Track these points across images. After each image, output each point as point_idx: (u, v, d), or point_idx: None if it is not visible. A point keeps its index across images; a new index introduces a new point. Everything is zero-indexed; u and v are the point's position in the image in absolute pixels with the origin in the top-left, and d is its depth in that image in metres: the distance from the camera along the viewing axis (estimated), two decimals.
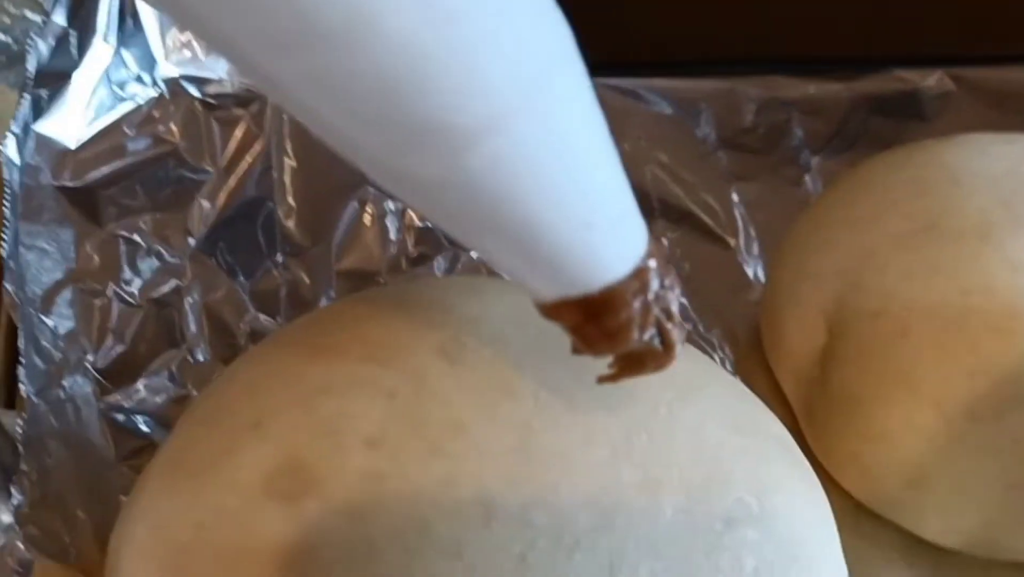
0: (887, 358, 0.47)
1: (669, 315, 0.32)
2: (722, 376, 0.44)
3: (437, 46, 0.24)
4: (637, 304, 0.31)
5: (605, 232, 0.30)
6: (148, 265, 0.55)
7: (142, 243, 0.56)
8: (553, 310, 0.31)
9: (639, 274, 0.31)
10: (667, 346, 0.32)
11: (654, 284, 0.32)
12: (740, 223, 0.61)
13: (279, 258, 0.57)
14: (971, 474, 0.46)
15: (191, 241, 0.56)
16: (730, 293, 0.59)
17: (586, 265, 0.30)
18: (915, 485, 0.47)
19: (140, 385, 0.52)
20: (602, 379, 0.35)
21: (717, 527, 0.38)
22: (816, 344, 0.51)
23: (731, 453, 0.40)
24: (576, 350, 0.33)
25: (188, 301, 0.55)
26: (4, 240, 0.49)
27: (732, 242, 0.61)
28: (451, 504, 0.36)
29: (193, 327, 0.54)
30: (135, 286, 0.54)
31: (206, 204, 0.57)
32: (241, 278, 0.56)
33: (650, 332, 0.32)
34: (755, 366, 0.55)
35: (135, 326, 0.54)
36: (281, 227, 0.58)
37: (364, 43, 0.23)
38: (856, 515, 0.50)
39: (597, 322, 0.31)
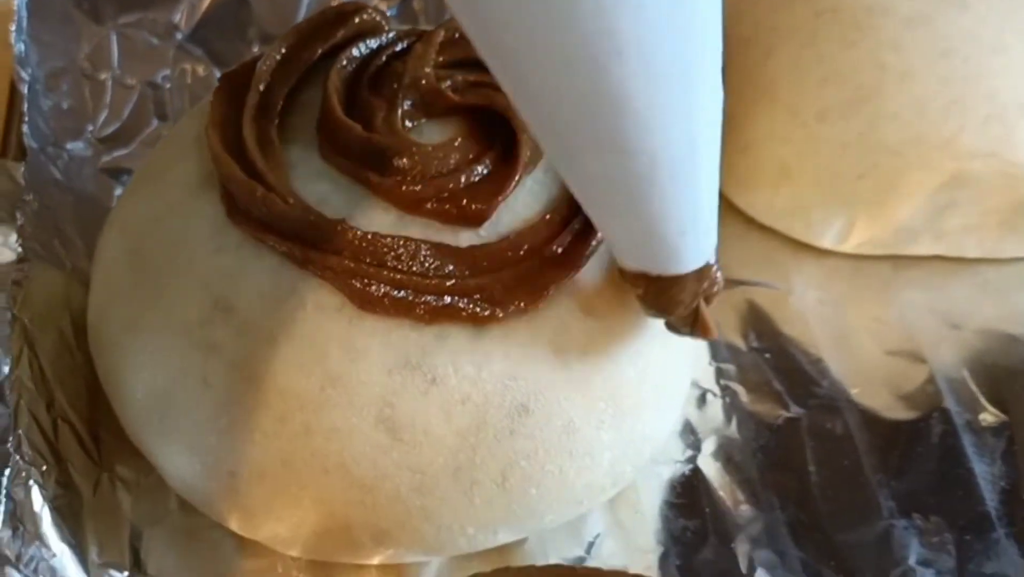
0: (754, 78, 0.54)
1: (708, 301, 0.41)
2: None
3: None
4: (691, 291, 0.41)
5: (692, 239, 0.39)
6: (141, 55, 0.64)
7: (136, 37, 0.65)
8: (630, 276, 0.41)
9: (702, 271, 0.40)
10: (701, 324, 0.42)
11: (711, 281, 0.41)
12: None
13: (255, 47, 0.65)
14: (825, 169, 0.53)
15: (178, 35, 0.65)
16: None
17: (669, 257, 0.39)
18: (781, 185, 0.55)
19: (133, 148, 0.61)
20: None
21: None
22: None
23: None
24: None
25: (176, 83, 0.63)
26: (12, 30, 0.58)
27: None
28: None
29: (179, 103, 0.63)
30: (129, 72, 0.63)
31: (191, 3, 0.66)
32: (221, 64, 0.65)
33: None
34: None
35: (130, 104, 0.62)
36: (256, 20, 0.66)
37: None
38: (746, 229, 0.58)
39: (657, 295, 0.41)
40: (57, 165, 0.57)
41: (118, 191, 0.58)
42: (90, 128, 0.61)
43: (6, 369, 0.46)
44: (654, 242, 0.38)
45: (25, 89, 0.57)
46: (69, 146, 0.58)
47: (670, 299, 0.41)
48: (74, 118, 0.60)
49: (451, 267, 0.43)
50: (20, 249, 0.50)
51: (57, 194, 0.55)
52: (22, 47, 0.59)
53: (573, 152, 0.34)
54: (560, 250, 0.44)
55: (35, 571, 0.44)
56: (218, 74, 0.64)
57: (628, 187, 0.35)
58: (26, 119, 0.55)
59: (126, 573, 0.47)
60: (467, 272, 0.43)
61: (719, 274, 0.41)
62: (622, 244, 0.40)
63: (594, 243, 0.44)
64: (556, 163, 0.36)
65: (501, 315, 0.43)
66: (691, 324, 0.42)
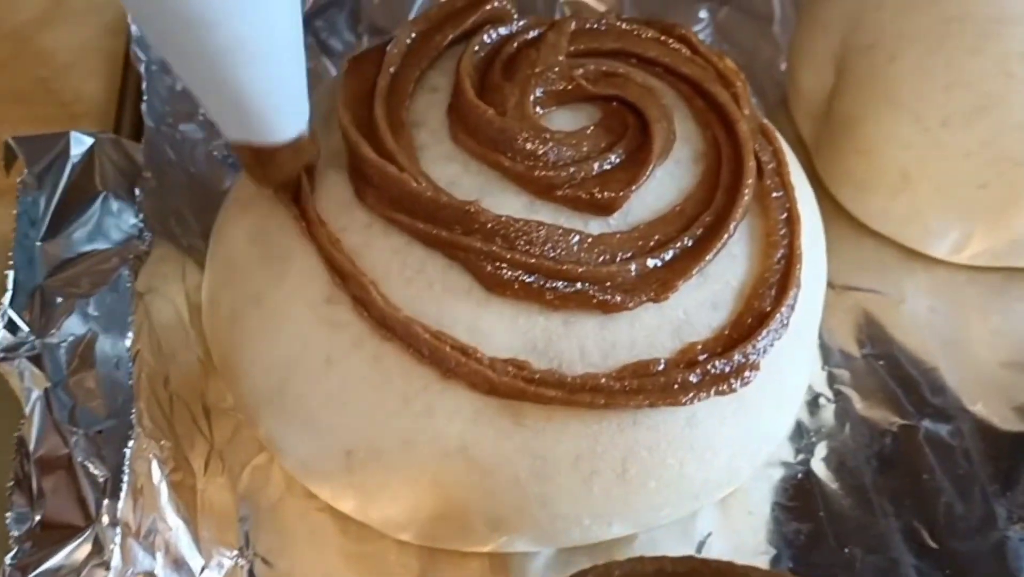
0: (877, 82, 0.54)
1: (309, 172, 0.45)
2: None
3: None
4: (289, 159, 0.44)
5: (284, 112, 0.43)
6: None
7: None
8: (235, 147, 0.44)
9: (298, 142, 0.43)
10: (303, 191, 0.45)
11: (308, 150, 0.44)
12: (777, 3, 0.68)
13: (364, 40, 0.66)
14: (946, 177, 0.53)
15: None
16: (765, 61, 0.66)
17: (265, 129, 0.43)
18: (899, 192, 0.54)
19: None
20: None
21: None
22: (826, 85, 0.57)
23: None
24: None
25: None
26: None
27: (771, 19, 0.67)
28: None
29: None
30: None
31: None
32: (331, 55, 0.65)
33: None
34: (781, 119, 0.62)
35: None
36: (366, 12, 0.66)
37: None
38: (858, 235, 0.57)
39: (260, 163, 0.44)
40: (171, 145, 0.57)
41: (228, 175, 0.58)
42: (201, 111, 0.61)
43: (128, 342, 0.46)
44: (251, 115, 0.42)
45: (142, 68, 0.57)
46: (182, 127, 0.59)
47: (272, 167, 0.44)
48: (187, 101, 0.60)
49: (583, 254, 0.43)
50: (141, 224, 0.50)
51: (172, 173, 0.56)
52: (137, 29, 0.59)
53: (166, 29, 0.38)
54: (691, 243, 0.44)
55: (152, 544, 0.44)
56: (328, 65, 0.64)
57: (218, 61, 0.38)
58: (145, 97, 0.56)
59: (236, 552, 0.47)
60: (599, 260, 0.43)
61: (316, 143, 0.45)
62: (224, 116, 0.43)
63: (725, 236, 0.44)
64: (155, 43, 0.40)
65: (631, 304, 0.43)
66: (294, 192, 0.45)
